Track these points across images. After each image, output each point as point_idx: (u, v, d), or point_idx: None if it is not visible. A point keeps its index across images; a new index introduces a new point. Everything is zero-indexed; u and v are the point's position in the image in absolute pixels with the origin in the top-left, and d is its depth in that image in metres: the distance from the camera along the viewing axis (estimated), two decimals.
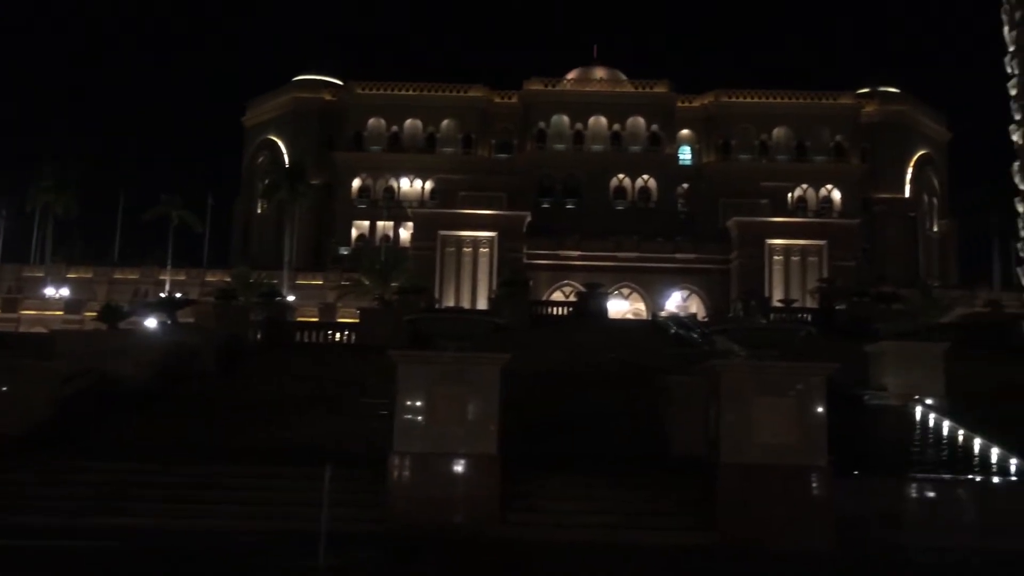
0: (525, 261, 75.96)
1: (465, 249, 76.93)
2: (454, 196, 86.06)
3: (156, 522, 17.04)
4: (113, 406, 25.15)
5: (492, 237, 76.57)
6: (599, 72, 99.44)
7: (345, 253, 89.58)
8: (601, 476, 18.78)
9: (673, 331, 46.83)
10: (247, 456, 20.61)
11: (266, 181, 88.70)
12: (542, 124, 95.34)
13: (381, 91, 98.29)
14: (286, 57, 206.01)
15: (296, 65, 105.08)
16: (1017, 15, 10.43)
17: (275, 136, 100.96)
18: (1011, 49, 10.79)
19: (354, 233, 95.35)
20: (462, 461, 17.16)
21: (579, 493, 18.29)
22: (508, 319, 35.90)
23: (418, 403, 17.34)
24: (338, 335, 42.58)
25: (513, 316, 44.27)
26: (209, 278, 75.46)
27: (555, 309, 58.32)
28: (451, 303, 72.26)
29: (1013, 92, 10.86)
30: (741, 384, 17.04)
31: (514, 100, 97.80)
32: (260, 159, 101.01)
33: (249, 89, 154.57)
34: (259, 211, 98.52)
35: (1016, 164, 11.59)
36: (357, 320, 44.97)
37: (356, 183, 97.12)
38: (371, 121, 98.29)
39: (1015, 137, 11.10)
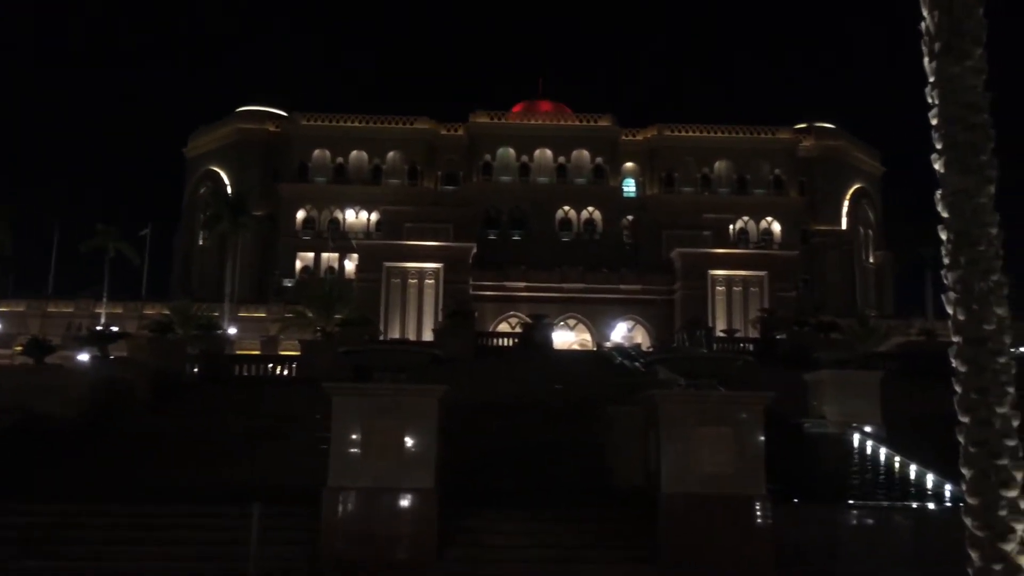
0: (471, 292, 75.71)
1: (411, 280, 76.41)
2: (400, 228, 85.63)
3: (87, 566, 16.34)
4: (40, 445, 24.16)
5: (438, 268, 76.21)
6: (544, 106, 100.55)
7: (289, 285, 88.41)
8: (543, 509, 18.54)
9: (618, 361, 46.92)
10: (182, 495, 19.95)
11: (208, 212, 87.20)
12: (488, 156, 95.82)
13: (326, 123, 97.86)
14: (229, 87, 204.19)
15: (240, 96, 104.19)
16: (936, 46, 10.75)
17: (217, 167, 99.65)
18: (931, 80, 11.10)
19: (298, 265, 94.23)
20: (399, 496, 16.78)
21: (520, 527, 18.00)
22: (452, 350, 35.58)
23: (354, 437, 16.96)
24: (278, 368, 41.72)
25: (458, 347, 43.97)
26: (147, 311, 73.62)
27: (501, 340, 58.07)
28: (396, 335, 71.56)
29: (934, 122, 11.15)
30: (680, 414, 17.02)
31: (460, 132, 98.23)
32: (202, 190, 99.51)
33: (190, 119, 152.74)
34: (200, 243, 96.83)
35: (939, 193, 11.92)
36: (298, 353, 44.17)
37: (300, 214, 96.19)
38: (316, 152, 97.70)
39: (937, 166, 11.38)
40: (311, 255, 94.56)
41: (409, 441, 16.88)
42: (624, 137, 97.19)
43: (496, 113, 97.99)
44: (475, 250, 78.56)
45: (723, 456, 16.56)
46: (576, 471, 21.83)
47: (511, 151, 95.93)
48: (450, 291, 73.89)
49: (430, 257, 76.65)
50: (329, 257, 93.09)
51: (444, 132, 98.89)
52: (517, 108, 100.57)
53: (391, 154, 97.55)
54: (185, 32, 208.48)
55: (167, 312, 54.19)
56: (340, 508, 16.79)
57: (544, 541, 17.34)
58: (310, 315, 51.76)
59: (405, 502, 16.73)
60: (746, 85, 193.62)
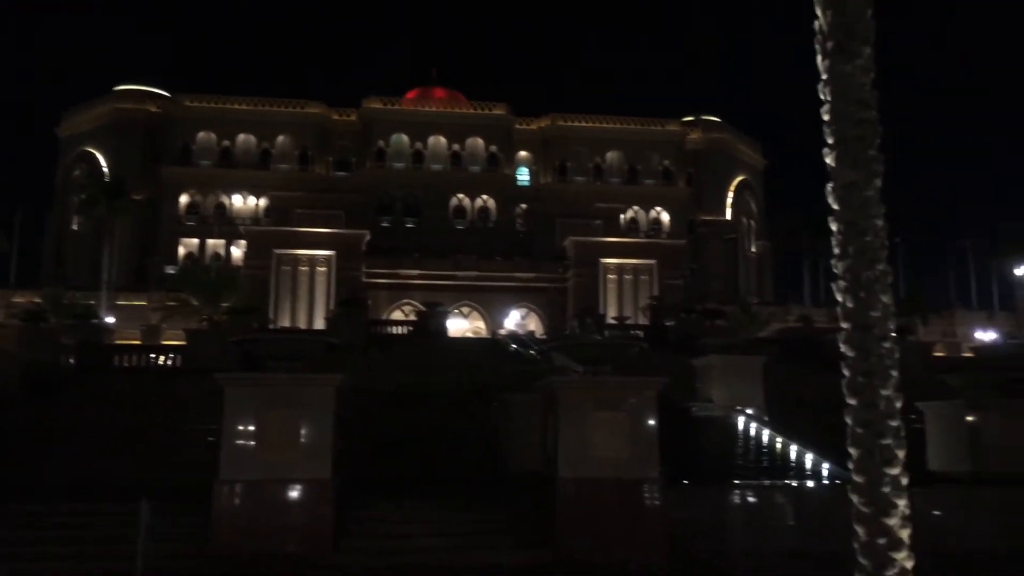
0: (364, 280, 74.82)
1: (301, 268, 74.86)
2: (290, 214, 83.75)
3: None
4: None
5: (330, 256, 74.93)
6: (439, 93, 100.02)
7: (171, 272, 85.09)
8: (440, 497, 18.51)
9: (512, 349, 47.33)
10: (61, 493, 18.94)
11: (83, 195, 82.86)
12: (381, 143, 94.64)
13: (212, 104, 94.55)
14: (107, 66, 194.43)
15: (118, 74, 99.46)
16: (829, 45, 11.25)
17: (93, 148, 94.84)
18: (824, 77, 11.62)
19: (181, 251, 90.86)
20: (294, 487, 16.42)
21: (417, 516, 17.92)
22: (345, 339, 35.04)
23: (247, 428, 16.48)
24: (162, 358, 40.18)
25: (351, 336, 43.39)
26: (17, 299, 69.53)
27: (395, 328, 57.65)
28: (286, 324, 70.03)
29: (826, 118, 11.68)
30: (578, 399, 17.26)
31: (353, 118, 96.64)
32: (76, 172, 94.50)
33: (64, 98, 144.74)
34: (75, 227, 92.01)
35: (830, 186, 12.54)
36: (184, 343, 42.64)
37: (184, 199, 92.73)
38: (201, 135, 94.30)
39: (828, 160, 11.93)
40: (195, 241, 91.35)
41: (305, 431, 16.53)
42: (518, 126, 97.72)
43: (390, 99, 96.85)
44: (368, 237, 77.64)
45: (618, 441, 16.90)
46: (474, 458, 21.91)
47: (405, 138, 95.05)
48: (343, 279, 72.86)
49: (322, 244, 75.28)
50: (215, 243, 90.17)
51: (336, 117, 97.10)
52: (411, 95, 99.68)
53: (281, 138, 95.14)
54: (60, 5, 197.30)
55: (38, 300, 51.46)
56: (232, 502, 16.32)
57: (443, 529, 17.32)
58: (195, 303, 49.96)
59: (301, 493, 16.39)
60: (638, 77, 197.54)
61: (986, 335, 78.22)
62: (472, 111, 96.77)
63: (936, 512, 17.45)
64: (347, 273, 73.88)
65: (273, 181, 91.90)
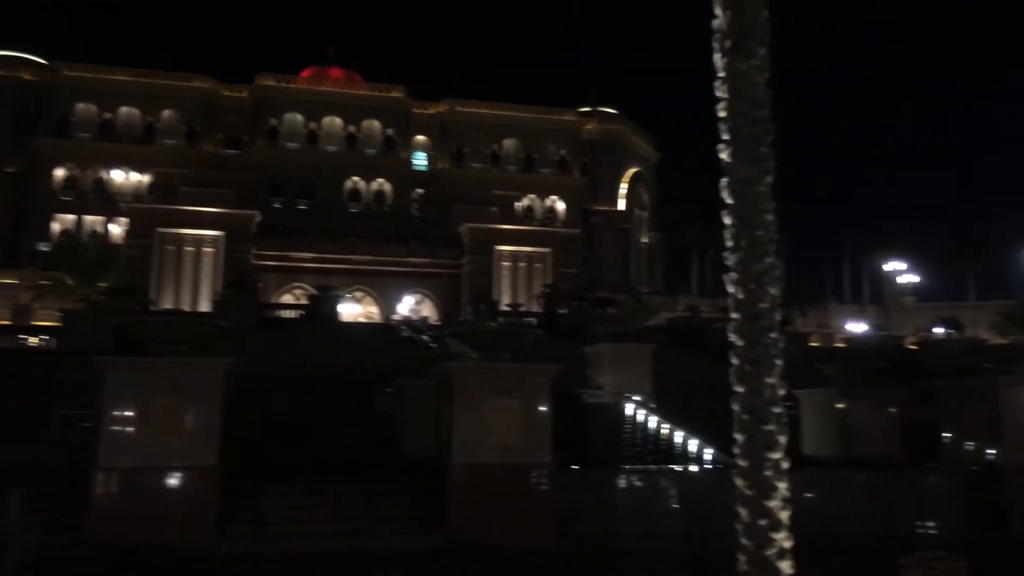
0: (253, 262, 72.81)
1: (187, 248, 72.24)
2: (175, 191, 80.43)
3: None
4: None
5: (218, 236, 72.54)
6: (335, 72, 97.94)
7: (45, 249, 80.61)
8: (333, 482, 18.30)
9: (406, 334, 47.07)
10: None
11: None
12: (274, 121, 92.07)
13: (93, 74, 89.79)
14: None
15: None
16: (726, 44, 11.61)
17: None
18: (721, 75, 11.98)
19: (56, 228, 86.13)
20: (178, 474, 15.93)
21: (309, 501, 17.68)
22: (234, 322, 34.07)
23: (128, 413, 15.86)
24: (34, 339, 38.16)
25: (240, 319, 42.20)
26: None
27: (286, 312, 56.44)
28: (169, 305, 67.48)
29: (722, 115, 12.04)
30: (474, 385, 17.35)
31: (244, 94, 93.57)
32: None
33: None
34: None
35: (724, 181, 12.97)
36: (59, 323, 40.59)
37: (60, 173, 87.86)
38: (80, 106, 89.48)
39: (723, 156, 12.33)
40: (72, 218, 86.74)
41: (191, 417, 16.05)
42: (416, 110, 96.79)
43: (283, 77, 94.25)
44: (259, 218, 75.55)
45: (512, 426, 17.09)
46: (367, 444, 21.74)
47: (299, 117, 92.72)
48: (231, 260, 70.72)
49: (209, 224, 72.80)
50: (93, 220, 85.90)
51: (226, 93, 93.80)
52: (306, 73, 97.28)
53: (166, 112, 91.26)
54: None
55: None
56: (111, 490, 15.69)
57: (335, 515, 17.13)
58: (70, 282, 47.59)
59: (184, 481, 15.92)
60: (536, 66, 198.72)
61: (857, 327, 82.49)
62: (369, 93, 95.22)
63: (809, 494, 18.37)
64: (236, 255, 71.70)
65: (157, 157, 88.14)
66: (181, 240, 72.07)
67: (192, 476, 15.94)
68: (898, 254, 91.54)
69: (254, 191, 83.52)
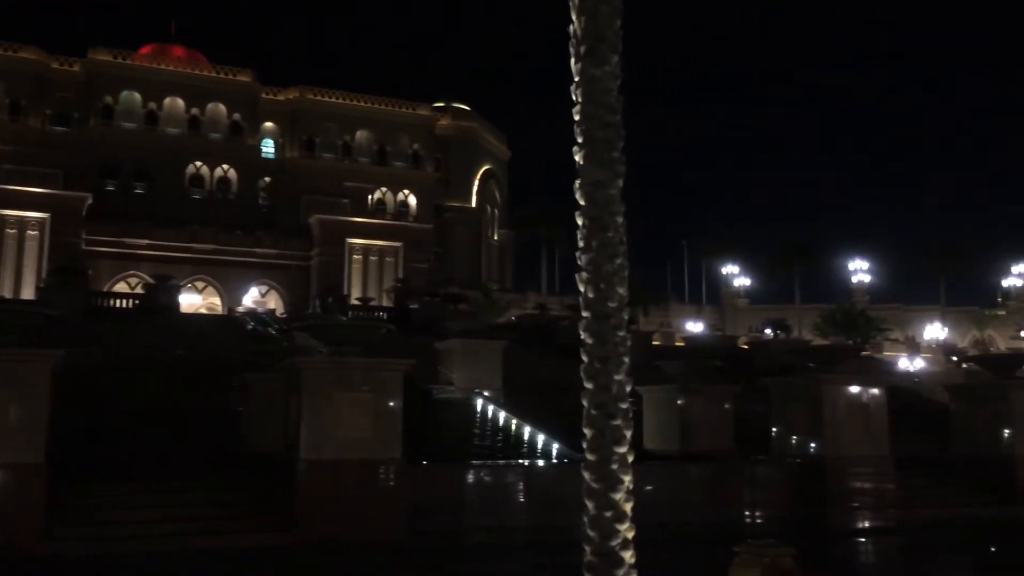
0: (84, 248, 68.47)
1: (8, 231, 67.06)
2: None
3: None
4: None
5: (44, 219, 67.71)
6: (177, 51, 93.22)
7: None
8: (173, 480, 17.52)
9: (251, 327, 45.62)
10: None
11: None
12: (109, 99, 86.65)
13: None
14: None
15: None
16: (582, 49, 11.90)
17: None
18: (576, 79, 12.29)
19: None
20: None
21: (146, 500, 16.86)
22: (62, 311, 31.94)
23: None
24: None
25: (69, 308, 39.61)
26: None
27: (120, 301, 53.36)
28: None
29: (577, 118, 12.37)
30: (324, 380, 17.06)
31: (76, 69, 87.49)
32: None
33: None
34: None
35: (577, 183, 13.32)
36: None
37: None
38: None
39: (577, 158, 12.66)
40: None
41: (14, 412, 14.95)
42: (265, 96, 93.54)
43: (121, 52, 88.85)
44: (90, 201, 71.09)
45: (363, 422, 16.92)
46: (210, 439, 20.94)
47: (137, 96, 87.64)
48: (58, 245, 66.28)
49: (34, 205, 67.93)
50: None
51: (56, 66, 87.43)
52: (145, 50, 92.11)
53: None
54: None
55: None
56: None
57: (175, 513, 16.42)
58: None
59: (7, 479, 14.82)
60: (391, 58, 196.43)
61: (695, 327, 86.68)
62: (214, 75, 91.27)
63: (650, 487, 19.18)
64: (64, 239, 67.17)
65: None
66: (2, 221, 66.91)
67: (15, 474, 14.88)
68: (732, 258, 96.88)
69: (86, 172, 78.52)
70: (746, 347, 56.41)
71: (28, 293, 61.65)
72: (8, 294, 63.12)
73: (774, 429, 22.87)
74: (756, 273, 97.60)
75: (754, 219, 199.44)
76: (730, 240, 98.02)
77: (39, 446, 15.15)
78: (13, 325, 16.09)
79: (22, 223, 67.42)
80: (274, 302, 75.85)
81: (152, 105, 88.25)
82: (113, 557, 14.56)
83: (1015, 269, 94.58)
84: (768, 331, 69.41)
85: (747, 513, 20.26)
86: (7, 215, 67.04)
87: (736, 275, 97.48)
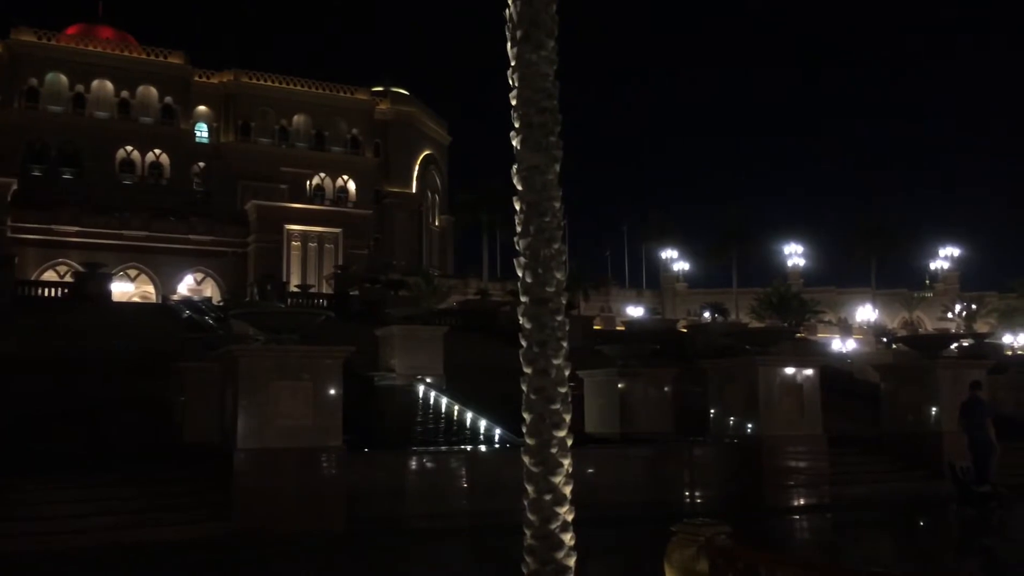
0: (9, 235, 66.24)
1: None
2: None
3: None
4: None
5: None
6: (105, 32, 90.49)
7: None
8: (106, 472, 17.11)
9: (186, 315, 44.71)
10: None
11: None
12: (34, 81, 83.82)
13: None
14: None
15: None
16: (519, 33, 11.83)
17: None
18: (513, 64, 12.19)
19: None
20: None
21: (78, 494, 16.41)
22: None
23: None
24: None
25: None
26: None
27: (48, 291, 51.78)
28: None
29: (514, 103, 12.27)
30: (260, 369, 16.80)
31: None
32: None
33: None
34: None
35: (515, 168, 13.29)
36: None
37: None
38: None
39: (515, 143, 12.55)
40: None
41: None
42: (198, 79, 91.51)
43: (45, 32, 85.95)
44: (15, 187, 68.78)
45: (302, 410, 16.73)
46: (144, 430, 20.52)
47: (63, 78, 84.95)
48: None
49: None
50: None
51: None
52: (72, 31, 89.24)
53: None
54: None
55: None
56: None
57: (108, 507, 16.01)
58: None
59: None
60: (328, 41, 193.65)
61: (635, 311, 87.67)
62: (144, 56, 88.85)
63: (590, 470, 19.38)
64: None
65: None
66: None
67: None
68: (672, 243, 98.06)
69: (10, 156, 76.06)
70: (685, 330, 57.30)
71: None
72: None
73: (712, 410, 23.28)
74: (695, 258, 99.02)
75: (693, 203, 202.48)
76: (670, 225, 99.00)
77: None
78: None
79: None
80: (210, 290, 74.52)
81: (79, 88, 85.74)
82: (40, 554, 14.16)
83: (942, 252, 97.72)
84: (707, 314, 70.62)
85: (686, 493, 20.61)
86: None
87: (675, 260, 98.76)
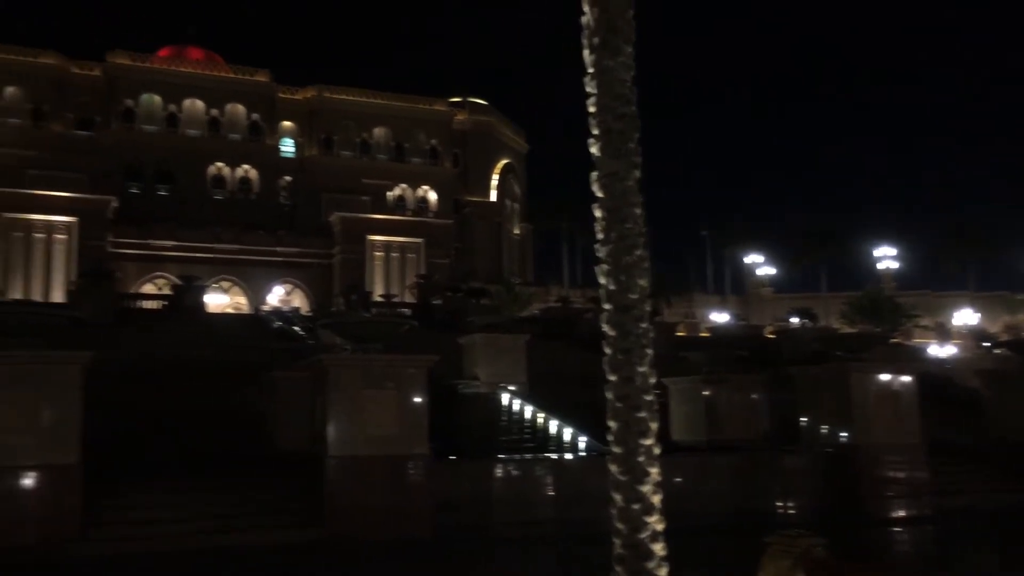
0: (111, 250, 69.20)
1: (36, 235, 67.91)
2: (22, 174, 75.37)
3: None
4: None
5: (71, 223, 68.53)
6: (195, 53, 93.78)
7: None
8: (203, 478, 17.68)
9: (276, 325, 45.91)
10: None
11: None
12: (130, 102, 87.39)
13: None
14: None
15: None
16: (594, 40, 11.87)
17: None
18: (590, 71, 12.25)
19: None
20: (32, 474, 15.01)
21: (177, 499, 17.02)
22: (91, 313, 32.28)
23: None
24: None
25: (98, 310, 40.08)
26: None
27: (147, 303, 53.93)
28: (18, 296, 63.31)
29: (592, 110, 12.31)
30: (348, 377, 17.11)
31: (96, 72, 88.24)
32: None
33: None
34: None
35: (594, 174, 13.31)
36: None
37: None
38: None
39: (593, 150, 12.62)
40: None
41: (47, 413, 15.13)
42: (282, 95, 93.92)
43: (139, 55, 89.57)
44: (115, 204, 71.84)
45: (388, 418, 16.96)
46: (238, 438, 21.08)
47: (157, 98, 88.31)
48: (86, 248, 67.07)
49: (61, 209, 68.74)
50: None
51: (77, 70, 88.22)
52: (164, 52, 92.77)
53: (10, 90, 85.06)
54: None
55: None
56: None
57: (205, 511, 16.56)
58: None
59: (40, 481, 15.00)
60: (406, 53, 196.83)
61: (720, 317, 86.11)
62: (232, 75, 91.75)
63: (678, 478, 19.10)
64: (91, 242, 67.93)
65: (1, 138, 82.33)
66: (30, 226, 67.79)
67: (50, 475, 15.05)
68: (756, 247, 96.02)
69: (109, 175, 79.41)
70: (772, 336, 56.01)
71: (58, 296, 62.50)
72: (39, 298, 64.00)
73: (803, 418, 22.67)
74: (780, 262, 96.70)
75: (779, 207, 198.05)
76: (753, 229, 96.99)
77: (73, 447, 15.32)
78: (41, 327, 16.29)
79: (50, 227, 68.30)
80: (298, 300, 76.32)
81: (172, 107, 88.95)
82: (145, 556, 14.72)
83: None
84: (794, 320, 68.83)
85: (778, 503, 20.13)
86: (35, 220, 67.93)
87: (760, 264, 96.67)
